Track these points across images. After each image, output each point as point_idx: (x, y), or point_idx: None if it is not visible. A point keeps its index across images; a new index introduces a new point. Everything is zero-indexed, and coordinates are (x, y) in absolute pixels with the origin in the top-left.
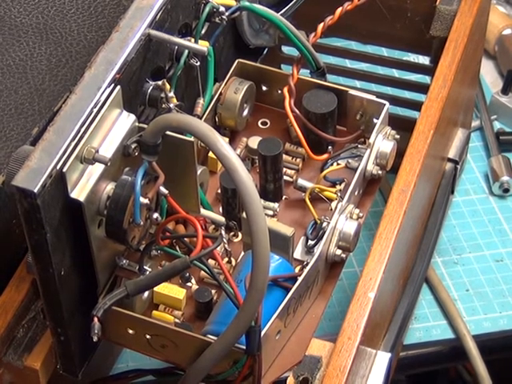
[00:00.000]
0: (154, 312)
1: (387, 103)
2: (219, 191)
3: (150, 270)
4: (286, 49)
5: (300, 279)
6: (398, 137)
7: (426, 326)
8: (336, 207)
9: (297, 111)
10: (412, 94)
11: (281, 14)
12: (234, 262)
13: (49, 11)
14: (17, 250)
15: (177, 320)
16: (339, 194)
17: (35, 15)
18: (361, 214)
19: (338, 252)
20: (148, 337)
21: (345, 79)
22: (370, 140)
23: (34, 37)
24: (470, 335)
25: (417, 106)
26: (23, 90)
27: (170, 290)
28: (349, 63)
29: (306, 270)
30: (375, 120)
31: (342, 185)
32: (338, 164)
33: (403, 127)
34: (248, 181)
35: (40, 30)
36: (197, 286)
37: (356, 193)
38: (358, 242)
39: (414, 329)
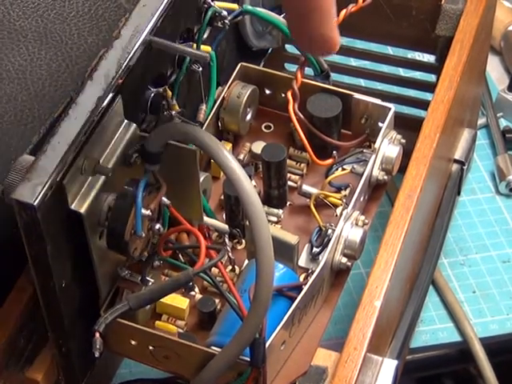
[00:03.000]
0: (157, 322)
1: (393, 107)
2: (222, 197)
3: (152, 280)
4: (289, 47)
5: (305, 289)
6: (403, 141)
7: (433, 329)
8: (341, 213)
9: (301, 115)
10: (417, 93)
11: (283, 17)
12: (237, 270)
13: (48, 14)
14: (17, 260)
15: (180, 330)
16: (344, 200)
17: (35, 18)
18: (366, 221)
19: (344, 260)
20: (151, 348)
21: (349, 78)
22: (375, 145)
23: (33, 41)
24: (476, 338)
25: (422, 104)
26: (23, 97)
27: (173, 299)
28: (353, 61)
29: (310, 279)
30: (380, 124)
31: (347, 190)
32: (343, 169)
33: (408, 126)
34: (251, 191)
35: (40, 34)
36: (200, 295)
37: (361, 199)
38: None
39: (421, 331)
